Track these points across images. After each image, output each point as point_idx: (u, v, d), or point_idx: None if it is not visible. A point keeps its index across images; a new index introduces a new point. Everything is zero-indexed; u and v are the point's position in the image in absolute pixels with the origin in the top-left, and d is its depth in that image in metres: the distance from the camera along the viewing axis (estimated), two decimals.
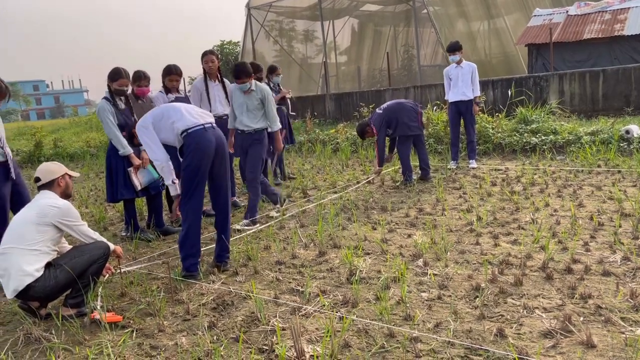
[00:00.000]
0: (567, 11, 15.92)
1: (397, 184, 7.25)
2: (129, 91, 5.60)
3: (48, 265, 3.45)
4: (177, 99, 5.87)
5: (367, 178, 7.75)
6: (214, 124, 4.26)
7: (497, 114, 10.41)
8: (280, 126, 6.00)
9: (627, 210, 5.10)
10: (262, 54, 22.09)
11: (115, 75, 5.24)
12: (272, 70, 8.04)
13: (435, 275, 3.86)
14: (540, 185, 6.51)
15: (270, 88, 7.92)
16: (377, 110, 7.36)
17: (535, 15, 16.39)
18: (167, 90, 5.97)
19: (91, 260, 3.56)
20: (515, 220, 5.10)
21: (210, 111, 6.21)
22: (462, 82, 7.90)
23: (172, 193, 4.26)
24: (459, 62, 7.90)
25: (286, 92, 7.94)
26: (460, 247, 4.44)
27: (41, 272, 3.38)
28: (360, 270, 4.01)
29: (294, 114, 8.78)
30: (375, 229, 5.20)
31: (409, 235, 4.91)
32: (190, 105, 4.60)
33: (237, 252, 4.75)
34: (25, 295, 3.38)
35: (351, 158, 10.04)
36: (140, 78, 5.74)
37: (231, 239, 5.19)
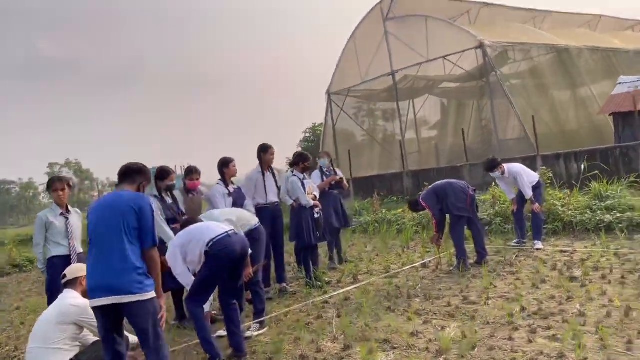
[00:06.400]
0: None
1: (451, 268, 7.01)
2: (181, 185, 6.06)
3: None
4: (235, 191, 6.23)
5: (422, 261, 7.58)
6: (235, 231, 4.69)
7: (568, 189, 9.81)
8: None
9: None
10: (344, 135, 22.77)
11: (165, 173, 5.71)
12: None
13: None
14: (604, 269, 5.99)
15: (322, 172, 8.10)
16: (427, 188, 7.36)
17: (619, 83, 15.60)
18: (225, 180, 6.27)
19: None
20: (561, 312, 4.73)
21: (266, 199, 6.59)
22: (515, 188, 7.93)
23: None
24: (502, 174, 7.80)
25: (334, 178, 7.96)
26: (490, 342, 4.19)
27: None
28: None
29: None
30: (411, 320, 5.05)
31: (443, 328, 4.71)
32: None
33: (264, 343, 4.81)
34: None
35: (414, 239, 9.83)
36: (192, 172, 6.20)
37: (266, 329, 5.28)
